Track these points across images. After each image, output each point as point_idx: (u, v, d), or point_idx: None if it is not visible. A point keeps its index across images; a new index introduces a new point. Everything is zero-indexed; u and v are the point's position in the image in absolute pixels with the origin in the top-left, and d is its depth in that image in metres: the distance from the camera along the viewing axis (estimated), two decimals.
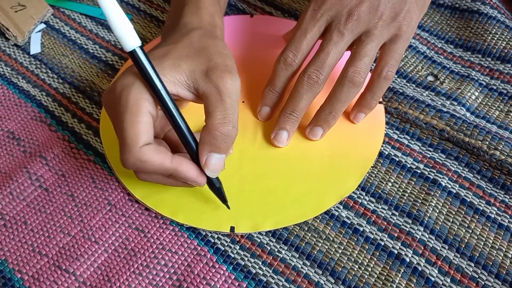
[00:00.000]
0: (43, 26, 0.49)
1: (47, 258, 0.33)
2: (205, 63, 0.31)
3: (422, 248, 0.33)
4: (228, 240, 0.34)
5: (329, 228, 0.34)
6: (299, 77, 0.35)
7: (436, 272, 0.32)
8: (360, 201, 0.35)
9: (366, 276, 0.32)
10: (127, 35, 0.27)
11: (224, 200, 0.33)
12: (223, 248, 0.33)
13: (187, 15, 0.37)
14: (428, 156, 0.38)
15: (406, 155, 0.38)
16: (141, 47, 0.28)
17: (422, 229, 0.34)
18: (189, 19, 0.37)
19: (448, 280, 0.31)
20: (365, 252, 0.33)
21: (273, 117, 0.39)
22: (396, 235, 0.34)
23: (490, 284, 0.31)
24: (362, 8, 0.34)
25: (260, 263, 0.33)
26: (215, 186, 0.32)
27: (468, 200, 0.35)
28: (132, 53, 0.28)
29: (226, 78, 0.30)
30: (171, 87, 0.30)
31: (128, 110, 0.28)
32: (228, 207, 0.34)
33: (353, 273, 0.32)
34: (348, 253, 0.33)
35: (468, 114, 0.40)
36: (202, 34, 0.34)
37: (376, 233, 0.34)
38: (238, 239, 0.34)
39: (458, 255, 0.33)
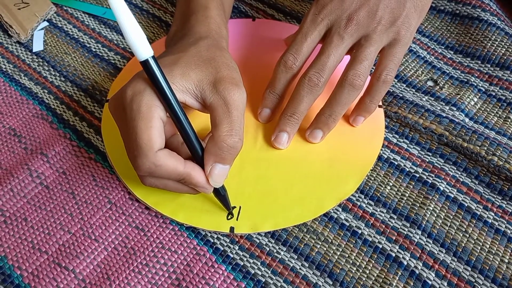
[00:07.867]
0: (46, 24, 0.49)
1: (47, 255, 0.33)
2: (213, 74, 0.31)
3: (420, 251, 0.33)
4: (228, 240, 0.34)
5: (328, 230, 0.34)
6: (300, 79, 0.36)
7: (433, 275, 0.32)
8: (359, 204, 0.36)
9: (364, 279, 0.32)
10: (141, 45, 0.27)
11: (228, 207, 0.34)
12: (222, 248, 0.34)
13: (195, 25, 0.37)
14: (427, 160, 0.38)
15: (405, 159, 0.38)
16: (154, 57, 0.28)
17: (420, 232, 0.34)
18: (197, 28, 0.37)
19: (445, 284, 0.32)
20: (363, 254, 0.33)
21: (274, 120, 0.39)
22: (394, 238, 0.34)
23: None
24: (361, 13, 0.35)
25: (259, 263, 0.33)
26: (220, 194, 0.33)
27: (466, 204, 0.35)
28: (145, 63, 0.28)
29: (233, 90, 0.30)
30: (180, 95, 0.31)
31: (141, 116, 0.29)
32: (233, 215, 0.34)
33: (351, 275, 0.32)
34: (346, 255, 0.33)
35: (467, 120, 0.40)
36: (210, 44, 0.35)
37: (374, 236, 0.34)
38: (237, 240, 0.34)
39: (455, 259, 0.33)
